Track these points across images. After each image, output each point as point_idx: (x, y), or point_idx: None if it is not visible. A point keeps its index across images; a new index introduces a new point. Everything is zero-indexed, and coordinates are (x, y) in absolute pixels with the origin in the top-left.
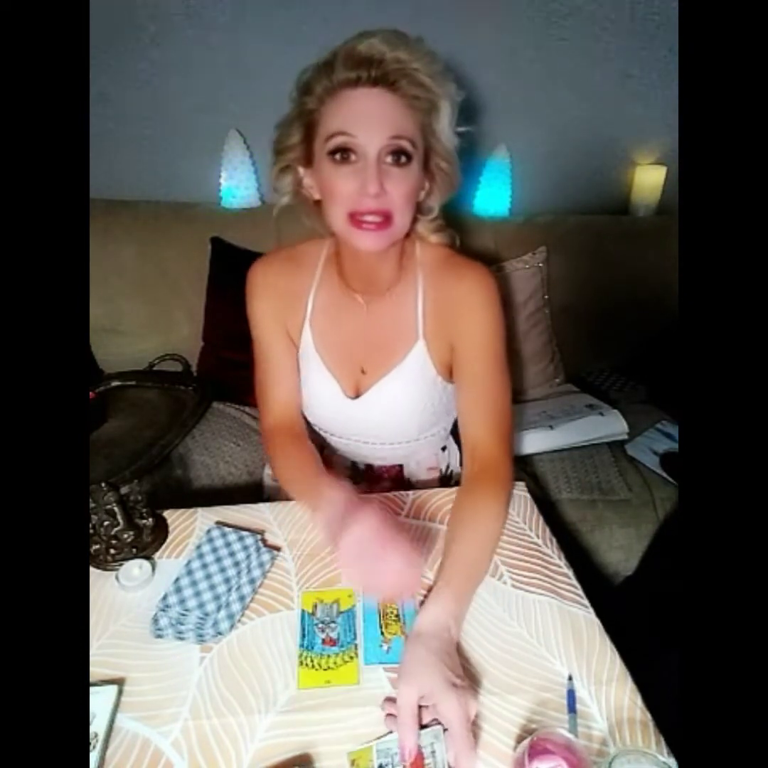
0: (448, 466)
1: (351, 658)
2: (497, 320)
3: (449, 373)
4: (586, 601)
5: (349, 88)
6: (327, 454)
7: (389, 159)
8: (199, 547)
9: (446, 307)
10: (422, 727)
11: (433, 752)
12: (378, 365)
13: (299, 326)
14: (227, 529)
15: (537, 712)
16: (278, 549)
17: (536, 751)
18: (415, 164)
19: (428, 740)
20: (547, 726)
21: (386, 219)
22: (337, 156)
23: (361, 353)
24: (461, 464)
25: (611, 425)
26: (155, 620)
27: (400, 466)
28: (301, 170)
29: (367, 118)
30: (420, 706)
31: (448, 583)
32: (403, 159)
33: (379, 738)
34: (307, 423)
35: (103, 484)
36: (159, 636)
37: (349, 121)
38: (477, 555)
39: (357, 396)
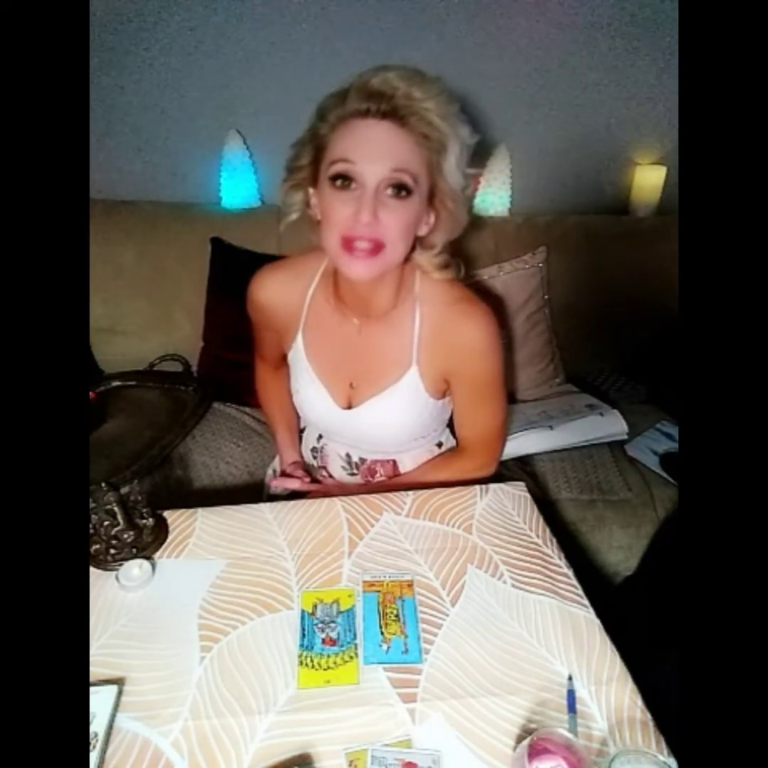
0: None
1: (351, 658)
2: (499, 361)
3: (441, 393)
4: (586, 601)
5: (359, 118)
6: (323, 444)
7: (389, 191)
8: None
9: (449, 346)
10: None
11: None
12: (369, 384)
13: (293, 333)
14: None
15: (537, 712)
16: None
17: (536, 751)
18: (415, 198)
19: (426, 764)
20: (547, 726)
21: (377, 247)
22: (338, 182)
23: (351, 369)
24: None
25: (611, 425)
26: None
27: (394, 460)
28: (310, 190)
29: (370, 148)
30: None
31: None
32: (403, 192)
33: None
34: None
35: (103, 484)
36: None
37: (352, 149)
38: (433, 466)
39: (349, 407)
